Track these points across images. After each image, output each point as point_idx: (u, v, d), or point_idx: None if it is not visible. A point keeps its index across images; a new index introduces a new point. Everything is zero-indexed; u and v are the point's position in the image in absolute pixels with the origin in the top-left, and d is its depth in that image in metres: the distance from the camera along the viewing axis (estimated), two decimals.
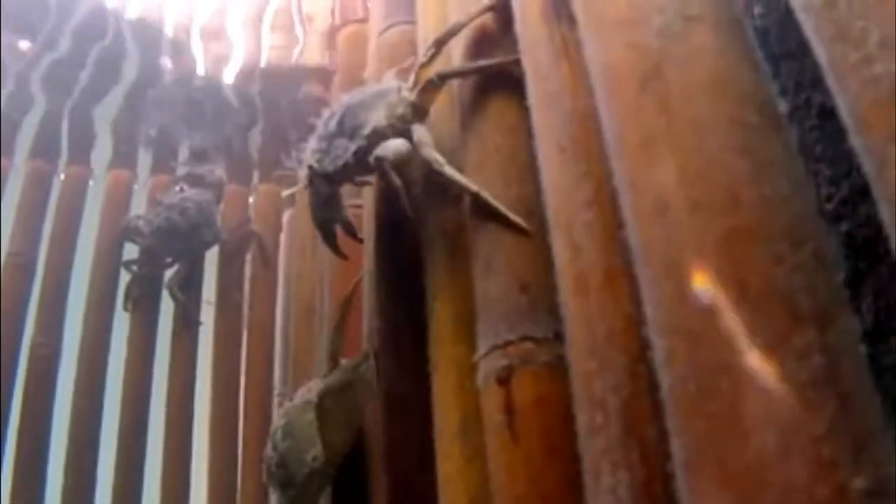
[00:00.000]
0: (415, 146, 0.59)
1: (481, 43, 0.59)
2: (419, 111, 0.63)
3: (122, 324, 1.31)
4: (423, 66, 0.63)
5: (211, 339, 1.33)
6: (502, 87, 0.55)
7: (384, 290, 0.66)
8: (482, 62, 0.58)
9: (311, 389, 0.75)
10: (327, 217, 0.67)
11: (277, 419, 0.77)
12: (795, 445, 0.25)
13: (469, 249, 0.55)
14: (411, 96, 0.63)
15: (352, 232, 0.68)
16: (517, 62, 0.52)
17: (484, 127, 0.55)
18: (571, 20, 0.46)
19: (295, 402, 0.75)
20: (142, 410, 1.27)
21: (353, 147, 0.63)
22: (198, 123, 1.40)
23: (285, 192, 1.17)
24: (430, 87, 0.62)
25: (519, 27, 0.50)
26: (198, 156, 1.39)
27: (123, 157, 1.40)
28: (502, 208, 0.51)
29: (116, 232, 1.32)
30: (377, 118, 0.62)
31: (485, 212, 0.52)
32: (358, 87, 0.91)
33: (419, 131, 0.60)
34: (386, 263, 0.67)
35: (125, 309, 1.31)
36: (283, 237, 1.36)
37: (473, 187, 0.53)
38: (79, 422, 1.24)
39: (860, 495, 0.24)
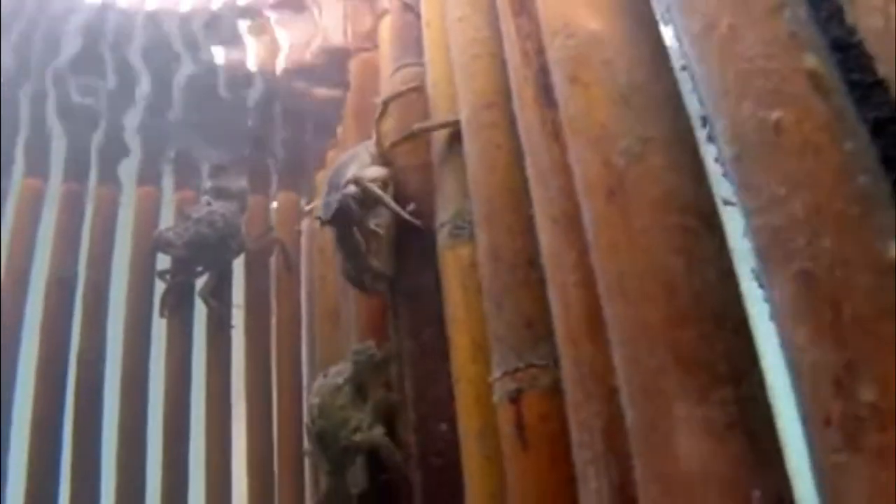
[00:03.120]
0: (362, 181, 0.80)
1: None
2: (384, 160, 0.85)
3: (159, 330, 1.43)
4: (378, 122, 0.86)
5: (243, 341, 1.46)
6: (505, 155, 0.66)
7: (412, 312, 0.78)
8: (430, 123, 0.80)
9: (341, 373, 0.87)
10: (355, 272, 0.84)
11: (312, 396, 0.90)
12: (713, 468, 0.37)
13: (481, 289, 0.67)
14: (380, 150, 0.85)
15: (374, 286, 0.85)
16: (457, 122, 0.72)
17: (490, 188, 0.66)
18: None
19: (328, 381, 0.87)
20: (183, 408, 1.39)
21: (337, 197, 0.81)
22: (217, 139, 1.50)
23: (307, 207, 1.27)
24: (400, 142, 0.83)
25: (517, 110, 0.61)
26: (219, 170, 1.50)
27: (149, 175, 1.50)
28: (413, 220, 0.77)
29: (149, 245, 1.44)
30: (351, 171, 0.83)
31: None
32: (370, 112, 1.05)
33: (374, 170, 0.83)
34: (413, 287, 0.79)
35: (161, 316, 1.43)
36: (303, 242, 1.47)
37: (404, 214, 0.78)
38: (126, 422, 1.36)
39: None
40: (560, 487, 0.56)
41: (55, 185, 1.45)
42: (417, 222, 0.81)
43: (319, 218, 0.87)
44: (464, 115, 0.71)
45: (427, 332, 0.77)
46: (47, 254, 1.40)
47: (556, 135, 0.57)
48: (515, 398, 0.59)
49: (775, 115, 0.34)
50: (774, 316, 0.34)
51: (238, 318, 1.47)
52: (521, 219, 0.63)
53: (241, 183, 1.50)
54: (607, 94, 0.46)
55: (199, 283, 1.45)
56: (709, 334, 0.39)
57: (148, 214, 1.47)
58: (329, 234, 1.13)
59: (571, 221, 0.53)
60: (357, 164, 0.86)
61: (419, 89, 0.89)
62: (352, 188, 0.82)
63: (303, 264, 1.47)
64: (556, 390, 0.58)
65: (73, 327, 1.39)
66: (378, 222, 0.94)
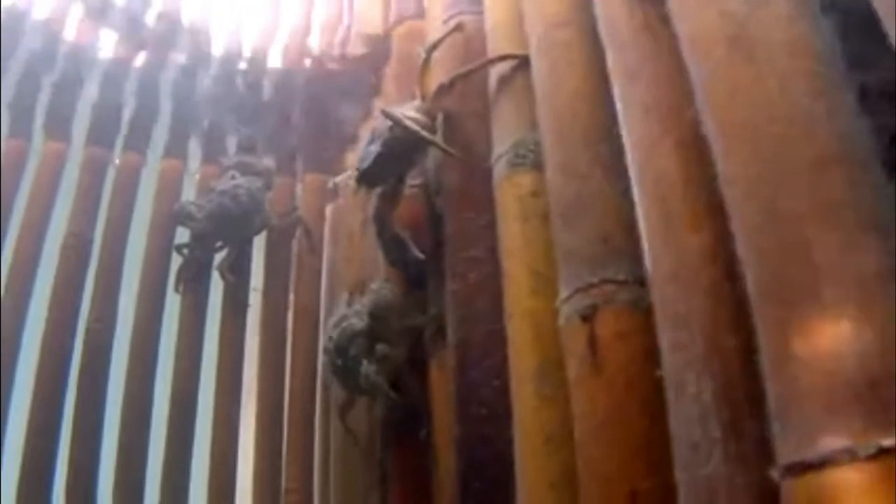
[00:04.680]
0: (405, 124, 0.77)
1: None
2: (428, 114, 0.81)
3: (173, 304, 1.37)
4: (421, 70, 0.84)
5: (258, 323, 1.40)
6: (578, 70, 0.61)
7: (457, 254, 0.73)
8: (475, 64, 0.77)
9: (360, 317, 0.86)
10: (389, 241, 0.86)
11: (331, 327, 0.91)
12: (867, 321, 0.31)
13: (541, 216, 0.62)
14: (420, 103, 0.81)
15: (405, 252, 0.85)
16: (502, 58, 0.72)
17: (561, 103, 0.61)
18: (653, 2, 0.52)
19: (346, 325, 0.87)
20: (192, 386, 1.32)
21: (377, 145, 0.80)
22: (246, 116, 1.47)
23: (332, 181, 1.23)
24: (442, 92, 0.80)
25: (599, 11, 0.57)
26: (246, 147, 1.46)
27: (176, 147, 1.46)
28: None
29: (170, 216, 1.39)
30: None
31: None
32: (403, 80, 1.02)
33: (414, 113, 0.79)
34: (458, 229, 0.74)
35: (176, 290, 1.37)
36: (328, 225, 1.42)
37: (436, 140, 0.76)
38: (132, 396, 1.29)
39: None
40: (637, 414, 0.49)
41: (78, 149, 1.40)
42: (454, 153, 0.76)
43: (358, 169, 0.85)
44: (533, 39, 0.67)
45: (473, 274, 0.71)
46: (65, 217, 1.35)
47: (647, 25, 0.52)
48: (588, 316, 0.53)
49: None
50: None
51: (254, 298, 1.41)
52: (595, 129, 0.58)
53: (267, 161, 1.45)
54: None
55: (218, 259, 1.40)
56: (855, 179, 0.34)
57: (170, 187, 1.43)
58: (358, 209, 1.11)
59: (665, 106, 0.48)
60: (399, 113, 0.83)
61: (461, 28, 0.86)
62: (398, 112, 0.79)
63: (325, 247, 1.42)
64: (635, 307, 0.52)
65: (84, 294, 1.33)
66: (414, 183, 0.91)
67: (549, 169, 0.60)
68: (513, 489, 0.62)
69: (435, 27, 1.03)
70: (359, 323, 0.86)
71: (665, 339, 0.45)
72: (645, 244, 0.48)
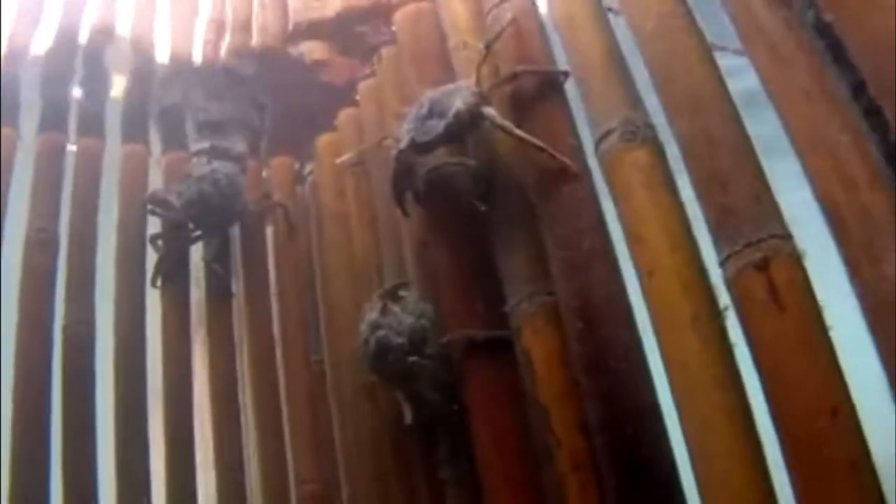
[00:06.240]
0: (491, 117, 0.87)
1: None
2: (486, 99, 0.89)
3: (154, 298, 1.30)
4: (479, 68, 0.91)
5: (244, 311, 1.36)
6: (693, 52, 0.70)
7: (567, 225, 0.79)
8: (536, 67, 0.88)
9: (401, 334, 0.96)
10: (404, 186, 0.96)
11: (366, 330, 0.99)
12: None
13: (662, 181, 0.71)
14: (480, 89, 0.90)
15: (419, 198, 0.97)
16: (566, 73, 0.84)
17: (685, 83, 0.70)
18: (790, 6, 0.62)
19: (385, 338, 0.96)
20: (184, 382, 1.27)
21: (443, 123, 0.88)
22: (212, 99, 1.41)
23: (339, 159, 1.23)
24: (500, 84, 0.89)
25: (740, 13, 0.66)
26: (214, 130, 1.40)
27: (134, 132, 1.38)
28: (560, 157, 0.80)
29: (141, 206, 1.31)
30: (458, 105, 0.88)
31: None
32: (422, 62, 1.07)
33: (489, 110, 0.88)
34: (560, 203, 0.80)
35: (153, 285, 1.31)
36: (311, 207, 1.41)
37: (537, 142, 0.82)
38: (123, 397, 1.22)
39: None
40: (819, 343, 0.60)
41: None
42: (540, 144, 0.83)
43: (412, 138, 0.90)
44: (648, 28, 0.75)
45: (588, 241, 0.78)
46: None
47: (789, 28, 0.62)
48: (763, 265, 0.62)
49: None
50: None
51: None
52: (730, 105, 0.68)
53: (240, 146, 1.40)
54: None
55: (194, 249, 1.35)
56: None
57: (136, 174, 1.35)
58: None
59: (824, 93, 0.58)
60: (460, 99, 0.89)
61: (515, 23, 0.92)
62: (491, 112, 0.87)
63: (312, 230, 1.41)
64: (797, 260, 0.63)
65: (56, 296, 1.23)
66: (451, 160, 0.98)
67: (690, 141, 0.69)
68: (662, 429, 0.70)
69: (451, 10, 1.08)
70: (396, 339, 0.95)
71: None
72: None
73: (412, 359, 0.95)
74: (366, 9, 1.29)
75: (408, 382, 0.97)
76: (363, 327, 1.00)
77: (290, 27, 1.38)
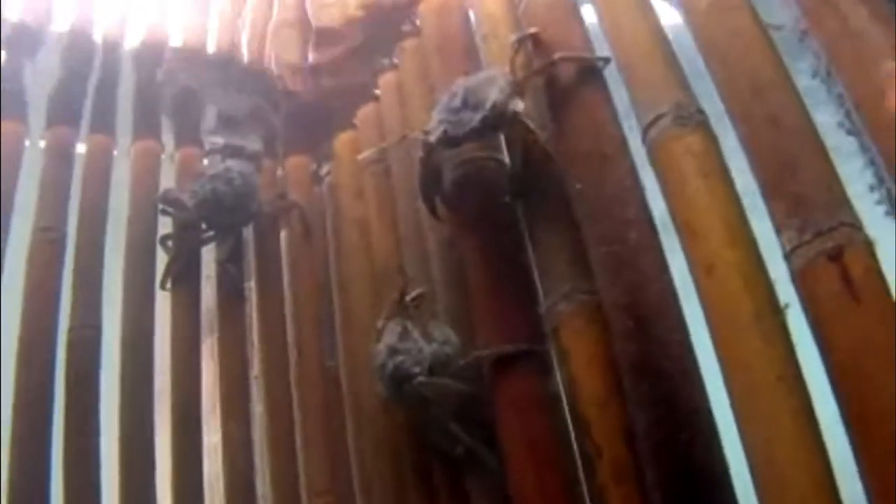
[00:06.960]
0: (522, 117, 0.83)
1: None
2: (520, 90, 0.85)
3: (163, 300, 1.25)
4: (513, 57, 0.87)
5: (255, 314, 1.31)
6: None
7: (613, 216, 0.74)
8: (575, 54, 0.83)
9: (421, 364, 0.89)
10: (434, 184, 0.90)
11: (383, 354, 0.93)
12: None
13: (717, 168, 0.66)
14: (516, 79, 0.85)
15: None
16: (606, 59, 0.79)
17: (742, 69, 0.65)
18: None
19: (404, 365, 0.89)
20: (193, 388, 1.22)
21: (478, 116, 0.83)
22: (225, 95, 1.37)
23: (360, 156, 1.18)
24: (533, 74, 0.85)
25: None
26: (229, 126, 1.36)
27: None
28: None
29: (152, 205, 1.26)
30: (494, 96, 0.83)
31: None
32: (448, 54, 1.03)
33: (519, 105, 0.83)
34: (606, 193, 0.76)
35: (163, 288, 1.26)
36: (329, 209, 1.36)
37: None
38: (129, 403, 1.17)
39: None
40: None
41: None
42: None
43: (446, 131, 0.85)
44: (702, 6, 0.71)
45: (634, 233, 0.73)
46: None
47: None
48: (836, 255, 0.57)
49: None
50: None
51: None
52: (793, 87, 0.63)
53: (256, 144, 1.36)
54: None
55: (205, 250, 1.30)
56: None
57: (147, 171, 1.30)
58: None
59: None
60: (496, 89, 0.84)
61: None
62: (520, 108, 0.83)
63: (328, 231, 1.35)
64: (871, 249, 0.58)
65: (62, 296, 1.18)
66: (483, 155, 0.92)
67: (754, 126, 0.64)
68: (715, 434, 0.65)
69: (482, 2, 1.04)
70: (414, 367, 0.89)
71: None
72: None
73: (421, 379, 0.89)
74: (387, 9, 1.24)
75: (425, 410, 0.91)
76: (381, 347, 0.94)
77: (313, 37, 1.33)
